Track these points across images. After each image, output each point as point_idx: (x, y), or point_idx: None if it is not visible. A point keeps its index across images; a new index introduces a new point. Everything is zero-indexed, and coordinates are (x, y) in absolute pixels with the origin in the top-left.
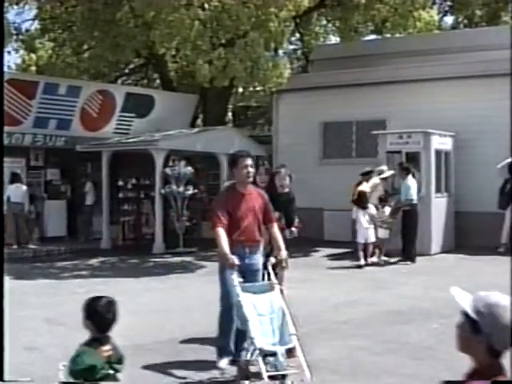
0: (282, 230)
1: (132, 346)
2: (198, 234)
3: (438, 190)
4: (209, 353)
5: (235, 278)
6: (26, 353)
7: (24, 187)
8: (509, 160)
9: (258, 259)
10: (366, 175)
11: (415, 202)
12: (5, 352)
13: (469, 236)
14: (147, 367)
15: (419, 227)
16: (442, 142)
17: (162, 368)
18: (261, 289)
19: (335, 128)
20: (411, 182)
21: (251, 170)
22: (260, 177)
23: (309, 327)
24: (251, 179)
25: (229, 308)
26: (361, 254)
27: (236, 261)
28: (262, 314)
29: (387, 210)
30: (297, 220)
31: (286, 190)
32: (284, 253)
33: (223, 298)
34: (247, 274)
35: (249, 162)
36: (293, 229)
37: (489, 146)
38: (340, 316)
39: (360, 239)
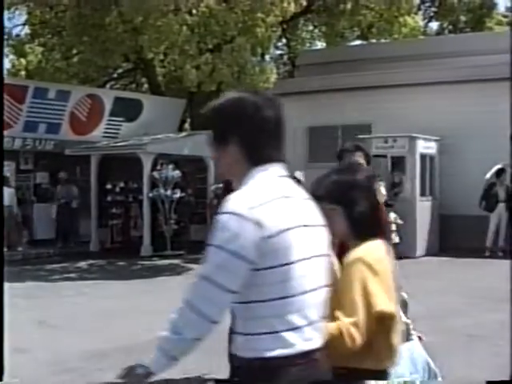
0: None
1: (119, 348)
2: (185, 237)
3: (422, 194)
4: (198, 355)
5: None
6: (15, 355)
7: (12, 190)
8: (496, 167)
9: None
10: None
11: None
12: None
13: (453, 239)
14: None
15: (403, 230)
16: (427, 147)
17: None
18: None
19: (321, 132)
20: None
21: None
22: None
23: None
24: None
25: None
26: None
27: None
28: (402, 374)
29: (392, 214)
30: None
31: None
32: (405, 294)
33: None
34: None
35: (355, 157)
36: None
37: (473, 150)
38: None
39: None
